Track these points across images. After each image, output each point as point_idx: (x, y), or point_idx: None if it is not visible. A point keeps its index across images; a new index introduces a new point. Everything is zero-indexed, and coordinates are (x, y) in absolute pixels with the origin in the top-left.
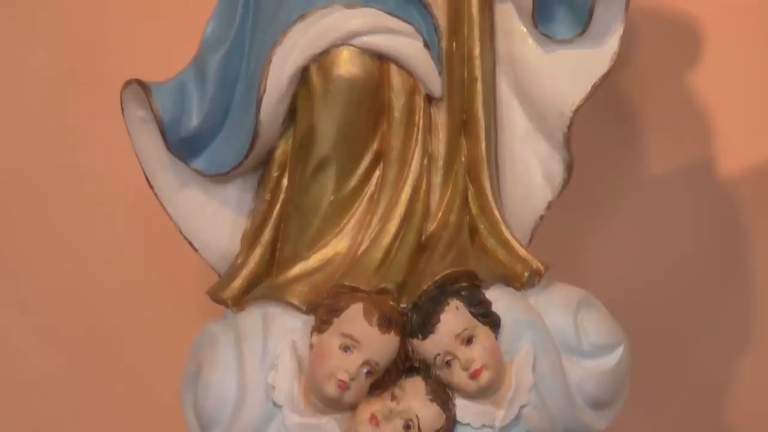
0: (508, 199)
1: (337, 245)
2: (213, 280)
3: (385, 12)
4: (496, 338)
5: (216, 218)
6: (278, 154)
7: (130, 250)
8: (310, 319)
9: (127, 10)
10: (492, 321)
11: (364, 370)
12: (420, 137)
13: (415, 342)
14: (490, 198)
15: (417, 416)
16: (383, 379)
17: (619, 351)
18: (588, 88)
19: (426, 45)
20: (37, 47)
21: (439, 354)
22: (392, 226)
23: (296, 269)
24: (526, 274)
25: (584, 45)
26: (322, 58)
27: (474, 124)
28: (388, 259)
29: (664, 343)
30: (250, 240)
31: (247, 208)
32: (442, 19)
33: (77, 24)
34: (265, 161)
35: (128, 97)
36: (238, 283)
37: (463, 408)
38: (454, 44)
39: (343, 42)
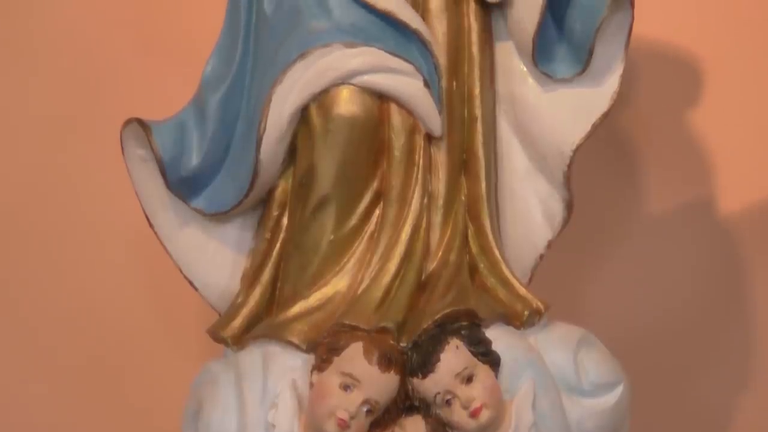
0: (508, 238)
1: (337, 284)
2: (213, 318)
3: (386, 51)
4: (496, 377)
5: (216, 257)
6: (278, 193)
7: (131, 288)
8: (310, 358)
9: (127, 50)
10: (492, 360)
11: (365, 409)
12: (420, 176)
13: (415, 381)
14: (490, 237)
15: None
16: (383, 418)
17: (619, 389)
18: (588, 127)
19: (426, 84)
20: (38, 87)
21: (439, 393)
22: (392, 265)
23: (296, 308)
24: (526, 313)
25: (584, 84)
26: (322, 97)
27: (474, 163)
28: (388, 298)
29: (664, 381)
30: (250, 279)
31: (247, 247)
32: (442, 59)
33: (77, 63)
34: (265, 200)
35: (128, 136)
36: (238, 321)
37: None
38: (455, 83)
39: (344, 81)
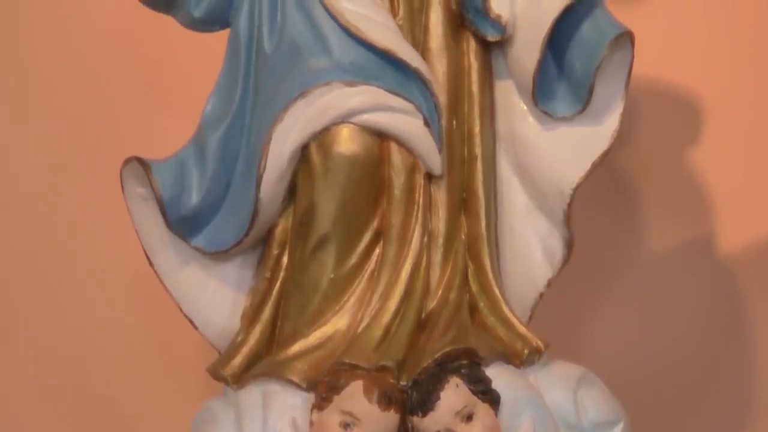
0: (508, 277)
1: (338, 323)
2: (213, 357)
3: (386, 90)
4: (496, 415)
5: (216, 296)
6: (278, 231)
7: (131, 327)
8: (311, 397)
9: (126, 89)
10: (492, 398)
11: None
12: (420, 215)
13: (415, 419)
14: (490, 276)
15: None
16: None
17: (619, 428)
18: (588, 166)
19: (426, 123)
20: (38, 126)
21: (439, 431)
22: (392, 304)
23: (296, 347)
24: (526, 351)
25: (584, 123)
26: (323, 136)
27: (474, 201)
28: (388, 337)
29: (664, 420)
30: (251, 318)
31: (247, 285)
32: (442, 97)
33: (77, 102)
34: (265, 239)
35: (128, 175)
36: (238, 360)
37: None
38: (454, 122)
39: (344, 120)
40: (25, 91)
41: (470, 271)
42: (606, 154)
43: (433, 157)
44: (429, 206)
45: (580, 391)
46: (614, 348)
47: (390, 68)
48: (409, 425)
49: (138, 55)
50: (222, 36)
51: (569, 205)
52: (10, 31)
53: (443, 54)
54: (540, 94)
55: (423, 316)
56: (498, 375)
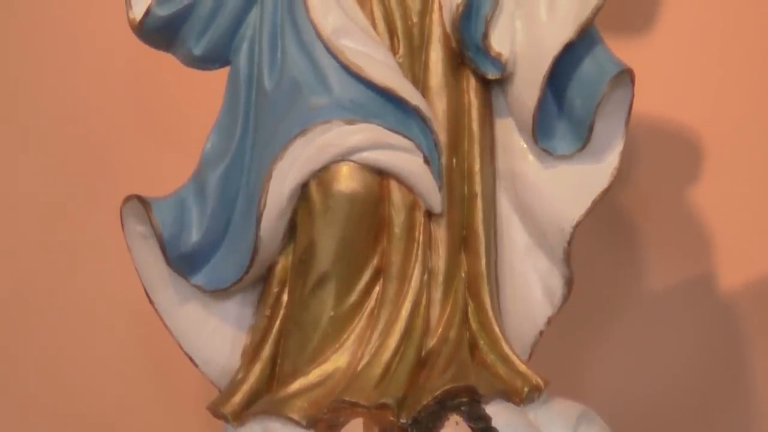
0: (508, 315)
1: (337, 360)
2: (213, 394)
3: (385, 128)
4: None
5: (216, 334)
6: (278, 269)
7: (131, 364)
8: None
9: (125, 128)
10: None
11: None
12: (420, 253)
13: None
14: (490, 314)
15: None
16: None
17: None
18: (588, 204)
19: (426, 161)
20: (38, 164)
21: None
22: (392, 342)
23: (296, 384)
24: (525, 389)
25: (584, 161)
26: (322, 174)
27: (474, 239)
28: (388, 375)
29: None
30: (251, 355)
31: (247, 323)
32: (442, 135)
33: (76, 141)
34: (265, 277)
35: (128, 213)
36: (238, 398)
37: None
38: (455, 160)
39: (344, 157)
40: (25, 128)
41: (470, 309)
42: (606, 192)
43: (433, 195)
44: (429, 244)
45: (580, 428)
46: (614, 385)
47: (390, 106)
48: None
49: (138, 92)
50: (221, 74)
51: (569, 243)
52: (9, 67)
53: (443, 92)
54: (540, 132)
55: (423, 353)
56: (498, 412)
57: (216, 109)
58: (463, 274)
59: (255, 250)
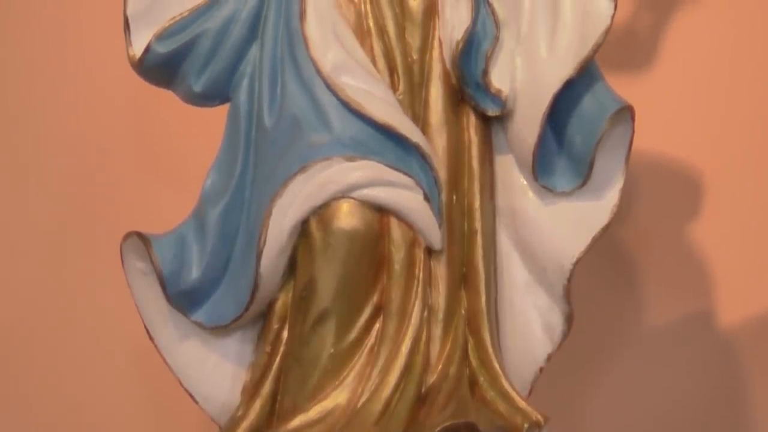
0: (508, 351)
1: (337, 397)
2: (213, 431)
3: (385, 164)
4: None
5: (216, 370)
6: (278, 306)
7: (131, 400)
8: None
9: (125, 165)
10: None
11: None
12: (420, 290)
13: None
14: (490, 350)
15: None
16: None
17: None
18: (588, 241)
19: (426, 198)
20: (38, 201)
21: None
22: (392, 379)
23: (296, 421)
24: (525, 425)
25: (584, 197)
26: (322, 211)
27: (474, 276)
28: (388, 411)
29: None
30: (251, 392)
31: (247, 360)
32: (442, 172)
33: (76, 178)
34: (266, 313)
35: (128, 249)
36: None
37: None
38: (455, 197)
39: (344, 194)
40: (25, 166)
41: (470, 346)
42: (606, 229)
43: (434, 232)
44: (429, 281)
45: None
46: (613, 422)
47: (390, 143)
48: None
49: (137, 129)
50: (221, 111)
51: (569, 279)
52: (9, 105)
53: (443, 129)
54: (540, 169)
55: (423, 390)
56: None
57: (216, 146)
58: (463, 311)
59: (255, 287)
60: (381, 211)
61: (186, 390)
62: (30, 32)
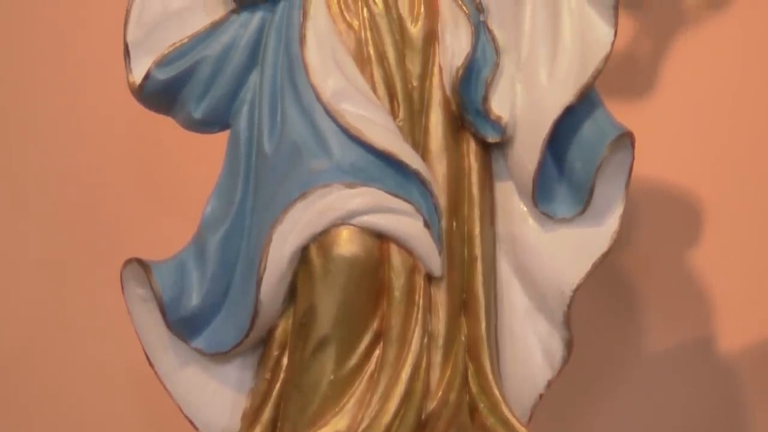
0: (507, 378)
1: (337, 424)
2: None
3: (386, 191)
4: None
5: (216, 397)
6: (278, 332)
7: (132, 427)
8: None
9: (125, 191)
10: None
11: None
12: (420, 316)
13: None
14: (490, 377)
15: None
16: None
17: None
18: (588, 267)
19: (426, 224)
20: (38, 227)
21: None
22: (392, 405)
23: None
24: None
25: (584, 224)
26: (323, 238)
27: (474, 303)
28: None
29: None
30: (251, 419)
31: (247, 386)
32: (442, 199)
33: (77, 204)
34: (266, 340)
35: (128, 276)
36: None
37: None
38: (454, 223)
39: (344, 221)
40: (25, 192)
41: (470, 372)
42: (606, 256)
43: (433, 259)
44: (429, 307)
45: None
46: None
47: (390, 170)
48: None
49: (138, 156)
50: (221, 137)
51: (569, 306)
52: (9, 130)
53: (443, 155)
54: (540, 195)
55: (423, 416)
56: None
57: (216, 172)
58: (463, 338)
59: (255, 314)
60: (381, 237)
61: (186, 416)
62: (30, 58)
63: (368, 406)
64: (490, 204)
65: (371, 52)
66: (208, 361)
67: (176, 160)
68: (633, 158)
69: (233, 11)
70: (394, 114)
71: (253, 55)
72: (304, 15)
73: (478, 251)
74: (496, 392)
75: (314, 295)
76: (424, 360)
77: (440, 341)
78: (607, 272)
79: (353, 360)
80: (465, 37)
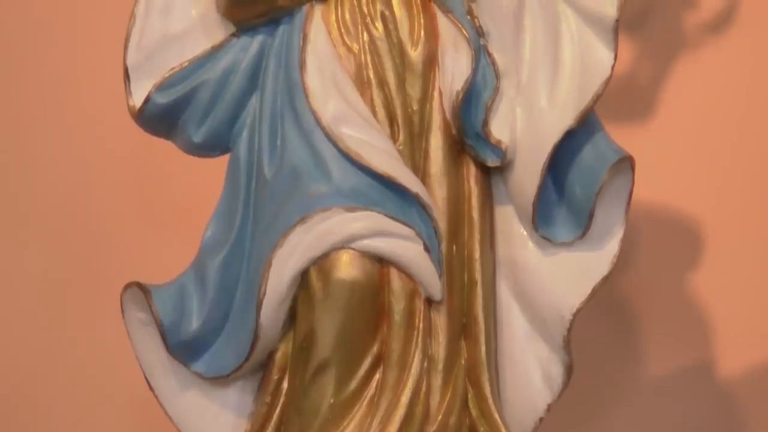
0: (507, 401)
1: None
2: None
3: (386, 215)
4: None
5: (216, 421)
6: (279, 356)
7: None
8: None
9: (125, 215)
10: None
11: None
12: (420, 340)
13: None
14: (490, 401)
15: None
16: None
17: None
18: (588, 291)
19: (426, 248)
20: (37, 252)
21: None
22: (392, 429)
23: None
24: None
25: (584, 248)
26: (323, 262)
27: (474, 327)
28: None
29: None
30: None
31: (247, 410)
32: (442, 223)
33: (76, 228)
34: (266, 363)
35: (128, 300)
36: None
37: None
38: (455, 247)
39: (344, 245)
40: (26, 216)
41: (470, 396)
42: (606, 279)
43: (433, 283)
44: (429, 331)
45: None
46: None
47: (390, 193)
48: None
49: (138, 180)
50: (221, 161)
51: (569, 330)
52: (11, 154)
53: (443, 179)
54: (540, 219)
55: None
56: None
57: (216, 196)
58: (463, 362)
59: (255, 338)
60: (381, 261)
61: None
62: (30, 83)
63: (368, 430)
64: (490, 228)
65: (371, 76)
66: (208, 385)
67: (176, 184)
68: (633, 182)
69: (233, 35)
70: (394, 138)
71: (253, 79)
72: (304, 39)
73: (478, 275)
74: (496, 416)
75: (314, 318)
76: (424, 384)
77: (440, 365)
78: (607, 296)
79: (353, 384)
80: (465, 61)
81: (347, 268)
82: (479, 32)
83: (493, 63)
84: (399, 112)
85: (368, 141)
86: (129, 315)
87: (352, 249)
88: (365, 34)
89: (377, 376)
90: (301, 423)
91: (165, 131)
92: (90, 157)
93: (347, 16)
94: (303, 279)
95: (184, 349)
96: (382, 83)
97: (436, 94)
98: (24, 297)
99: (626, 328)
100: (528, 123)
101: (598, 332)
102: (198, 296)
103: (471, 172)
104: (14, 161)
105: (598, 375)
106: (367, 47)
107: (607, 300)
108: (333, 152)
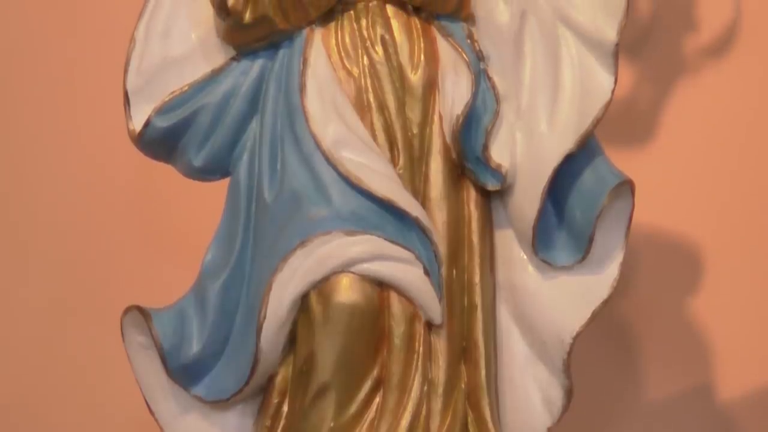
0: (507, 425)
1: None
2: None
3: (386, 239)
4: None
5: None
6: (279, 380)
7: None
8: None
9: (125, 239)
10: None
11: None
12: (420, 364)
13: None
14: (490, 424)
15: None
16: None
17: None
18: (588, 315)
19: (426, 272)
20: (37, 274)
21: None
22: None
23: None
24: None
25: (584, 272)
26: (323, 285)
27: (474, 351)
28: None
29: None
30: None
31: None
32: (442, 247)
33: (76, 251)
34: (266, 387)
35: (128, 323)
36: None
37: None
38: (454, 271)
39: (344, 269)
40: (25, 242)
41: (470, 420)
42: (606, 303)
43: (433, 307)
44: (429, 355)
45: None
46: None
47: (390, 217)
48: None
49: (137, 204)
50: (222, 185)
51: (569, 353)
52: (10, 180)
53: (443, 203)
54: (540, 243)
55: None
56: None
57: (216, 220)
58: (462, 385)
59: (255, 362)
60: (381, 285)
61: None
62: (28, 107)
63: None
64: (490, 252)
65: (371, 99)
66: (208, 408)
67: (176, 208)
68: (633, 206)
69: (233, 59)
70: (394, 162)
71: (254, 103)
72: (305, 62)
73: (478, 299)
74: None
75: (314, 342)
76: (424, 407)
77: (440, 389)
78: (607, 320)
79: (353, 407)
80: (465, 85)
81: (347, 291)
82: (479, 56)
83: (494, 87)
84: (399, 135)
85: (368, 165)
86: (129, 338)
87: (352, 273)
88: (365, 57)
89: (377, 399)
90: None
91: (165, 155)
92: (90, 181)
93: (347, 40)
94: (303, 303)
95: (185, 373)
96: (382, 107)
97: (436, 117)
98: (25, 319)
99: (626, 351)
100: (528, 147)
101: (598, 355)
102: (198, 320)
103: (471, 196)
104: (15, 186)
105: (598, 398)
106: (367, 71)
107: (607, 323)
108: (333, 176)
